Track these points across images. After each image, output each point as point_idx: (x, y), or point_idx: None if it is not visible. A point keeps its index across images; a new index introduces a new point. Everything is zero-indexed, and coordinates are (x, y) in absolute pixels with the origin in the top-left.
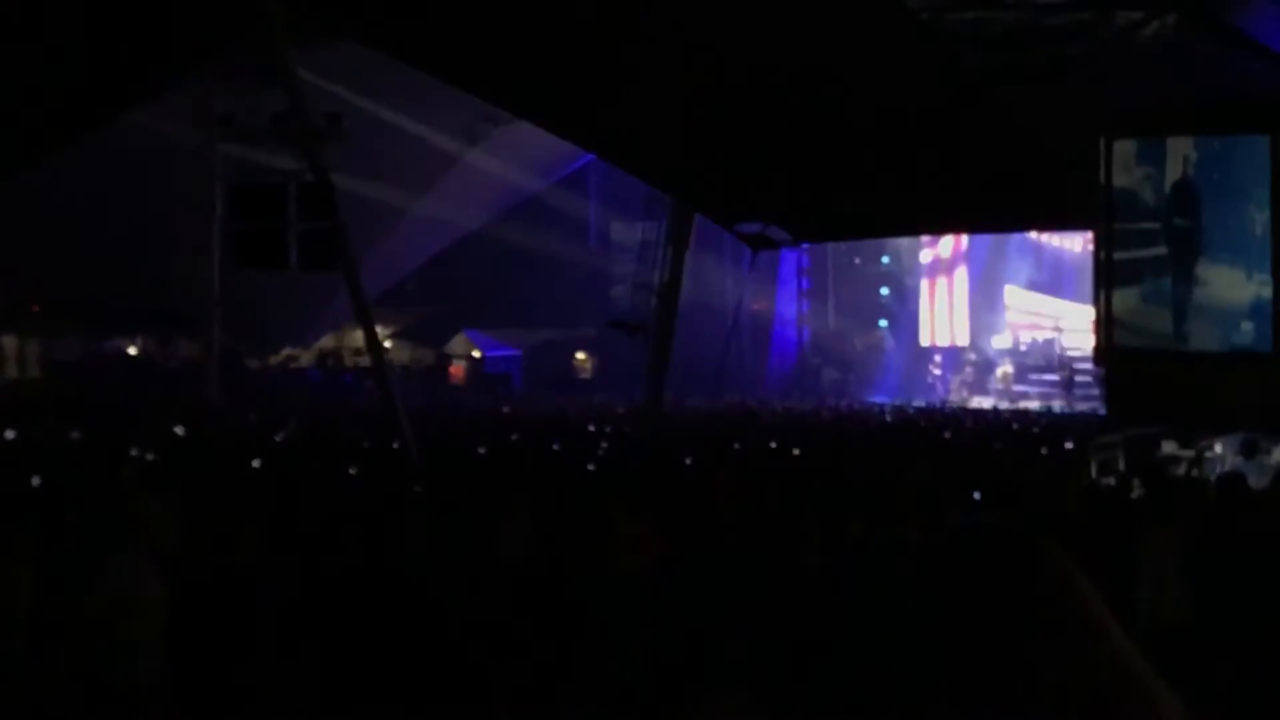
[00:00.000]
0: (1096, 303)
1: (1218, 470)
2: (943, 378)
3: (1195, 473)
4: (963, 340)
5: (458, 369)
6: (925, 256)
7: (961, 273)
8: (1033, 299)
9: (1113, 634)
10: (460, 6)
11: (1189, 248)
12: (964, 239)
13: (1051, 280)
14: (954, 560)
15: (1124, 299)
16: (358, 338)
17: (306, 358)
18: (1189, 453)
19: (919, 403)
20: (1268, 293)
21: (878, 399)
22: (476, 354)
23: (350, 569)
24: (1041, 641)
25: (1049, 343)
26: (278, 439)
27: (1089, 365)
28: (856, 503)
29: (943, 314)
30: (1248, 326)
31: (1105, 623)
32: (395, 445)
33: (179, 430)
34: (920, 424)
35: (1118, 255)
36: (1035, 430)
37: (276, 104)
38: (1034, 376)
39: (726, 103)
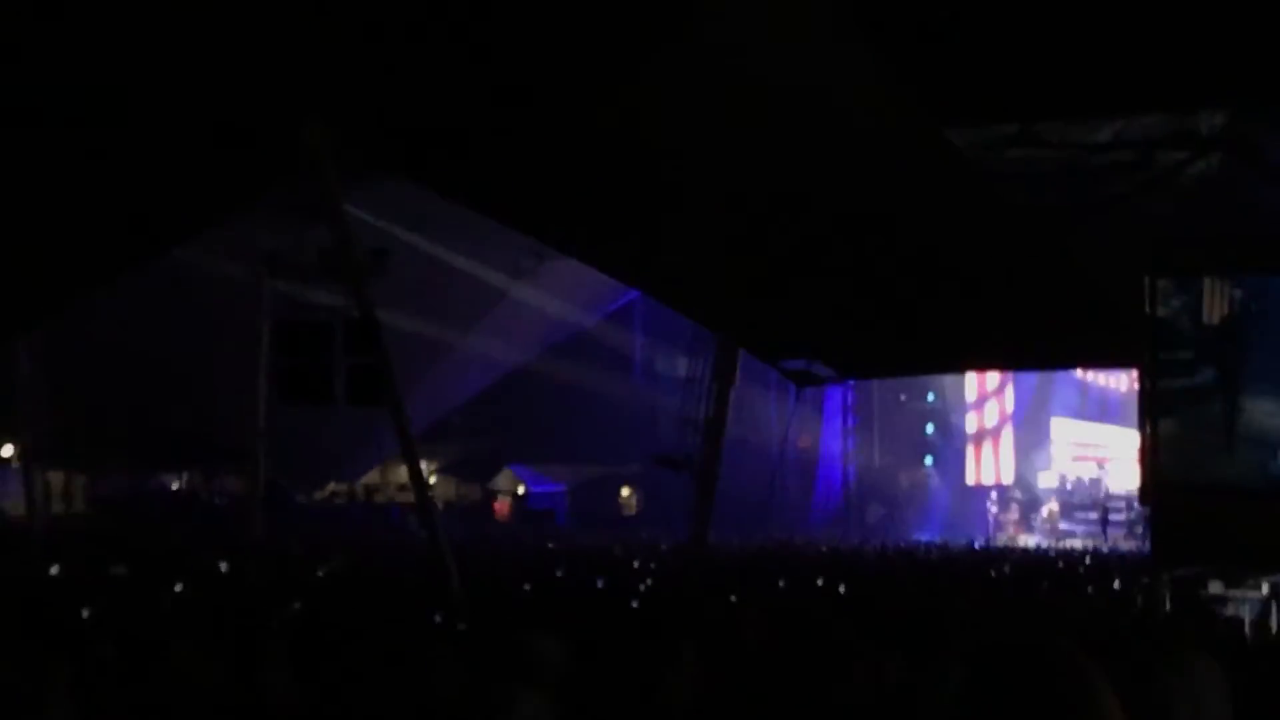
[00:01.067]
0: (1141, 440)
1: (1264, 612)
2: (989, 515)
3: (1240, 612)
4: (1008, 478)
5: (502, 504)
6: (971, 393)
7: (1008, 408)
8: (1079, 428)
9: None
10: (505, 144)
11: (1234, 386)
12: (1010, 375)
13: (1098, 412)
14: (994, 673)
15: (1168, 434)
16: (403, 473)
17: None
18: (1237, 593)
19: (964, 541)
20: None
21: (923, 537)
22: (521, 489)
23: (384, 704)
24: None
25: (1095, 481)
26: (320, 574)
27: (1125, 503)
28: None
29: (988, 452)
30: None
31: None
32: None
33: (223, 566)
34: (966, 562)
35: (1161, 390)
36: (1081, 570)
37: (323, 239)
38: (1080, 515)
39: (771, 239)
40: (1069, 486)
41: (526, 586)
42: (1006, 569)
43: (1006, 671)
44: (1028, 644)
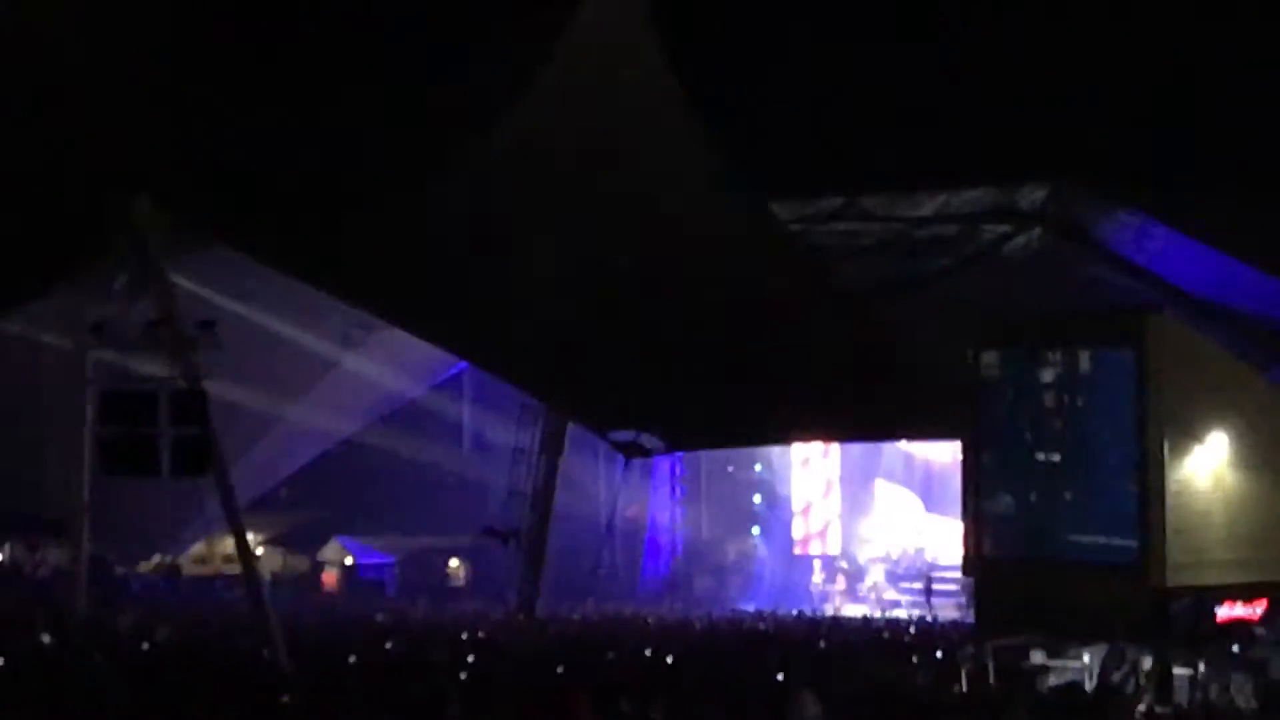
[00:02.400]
0: (965, 512)
1: (1083, 682)
2: (816, 586)
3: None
4: (835, 548)
5: (330, 576)
6: (797, 464)
7: (834, 479)
8: (905, 496)
9: None
10: (332, 216)
11: (1057, 460)
12: (836, 446)
13: (922, 488)
14: None
15: (992, 509)
16: (230, 544)
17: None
18: (1057, 663)
19: (792, 610)
20: (1133, 505)
21: (750, 606)
22: (349, 561)
23: None
24: None
25: (919, 552)
26: (145, 647)
27: (954, 574)
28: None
29: (815, 521)
30: (1113, 539)
31: None
32: (265, 653)
33: (45, 638)
34: (793, 631)
35: (985, 463)
36: (906, 639)
37: (149, 310)
38: (904, 585)
39: (599, 313)
40: (894, 557)
41: (352, 659)
42: (834, 639)
43: None
44: None
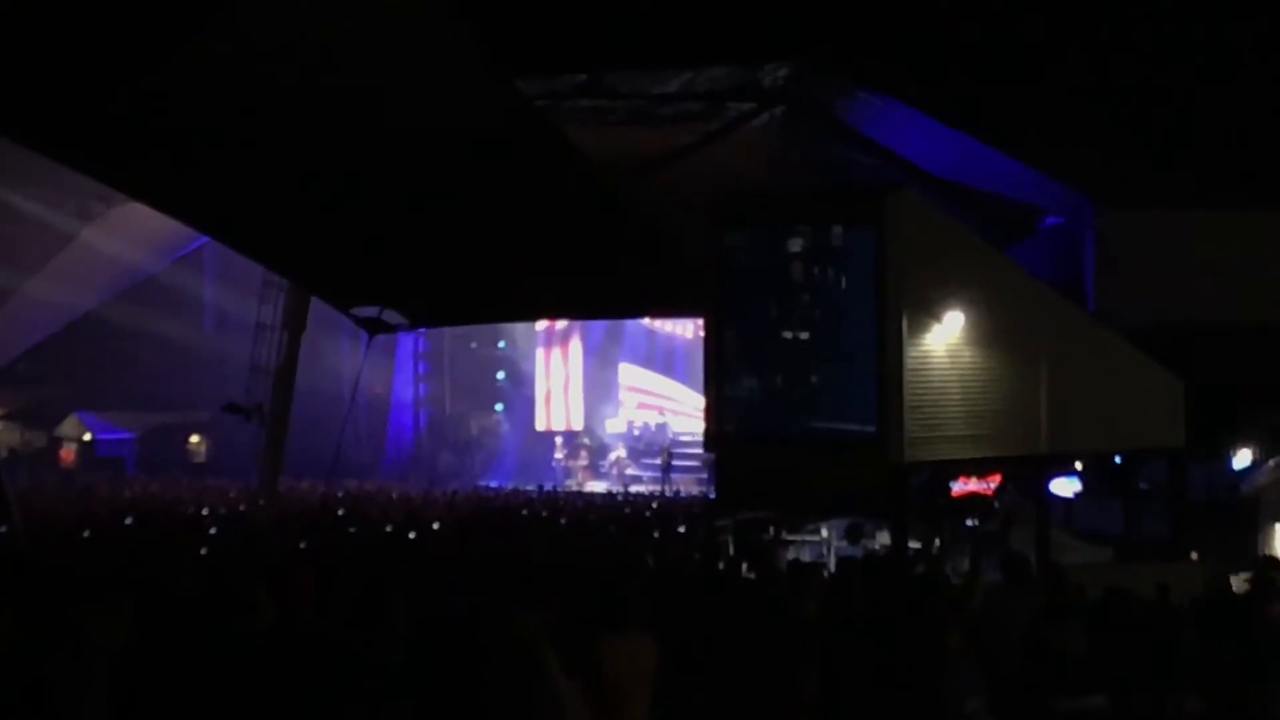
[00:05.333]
0: (707, 389)
1: (822, 554)
2: (558, 462)
3: (801, 556)
4: (578, 424)
5: (69, 452)
6: (541, 341)
7: (576, 355)
8: (647, 377)
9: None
10: (69, 82)
11: (797, 336)
12: (580, 323)
13: (664, 364)
14: (443, 637)
15: (733, 386)
16: None
17: None
18: (796, 537)
19: (534, 486)
20: (872, 381)
21: (494, 482)
22: (88, 437)
23: None
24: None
25: (661, 427)
26: None
27: (697, 450)
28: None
29: (558, 397)
30: (852, 413)
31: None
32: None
33: None
34: (537, 507)
35: (728, 343)
36: (647, 514)
37: None
38: (646, 461)
39: (341, 189)
40: (636, 433)
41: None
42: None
43: (443, 645)
44: (468, 617)
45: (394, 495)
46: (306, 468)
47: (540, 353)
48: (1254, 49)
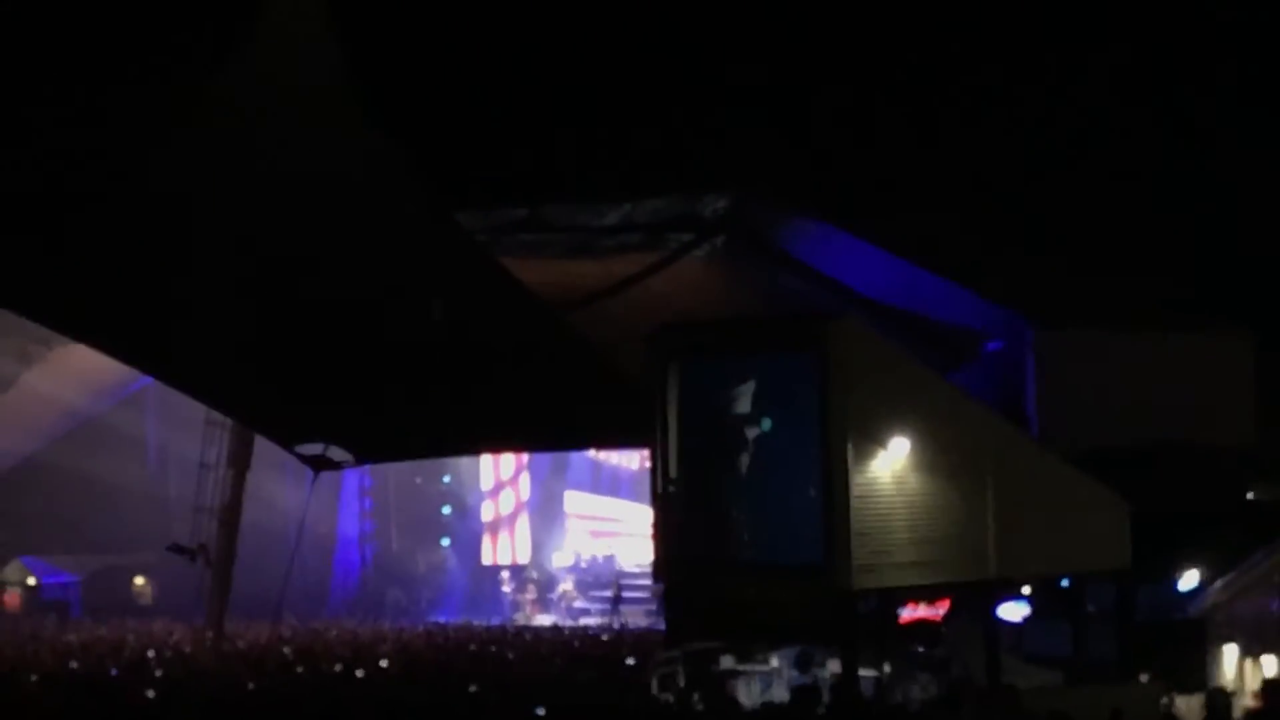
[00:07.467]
0: (654, 520)
1: (773, 685)
2: (506, 596)
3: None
4: (524, 557)
5: (12, 596)
6: (486, 473)
7: (523, 488)
8: (594, 501)
9: None
10: (8, 228)
11: (742, 465)
12: (525, 456)
13: (610, 490)
14: None
15: (679, 516)
16: None
17: None
18: (747, 666)
19: (482, 622)
20: (819, 509)
21: (442, 617)
22: (32, 581)
23: None
24: None
25: (609, 559)
26: None
27: (645, 581)
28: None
29: (504, 532)
30: (799, 541)
31: None
32: None
33: None
34: (484, 643)
35: (672, 474)
36: (596, 648)
37: None
38: (595, 593)
39: (281, 325)
40: (584, 565)
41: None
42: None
43: None
44: None
45: (340, 633)
46: (253, 606)
47: (486, 487)
48: (1192, 174)
